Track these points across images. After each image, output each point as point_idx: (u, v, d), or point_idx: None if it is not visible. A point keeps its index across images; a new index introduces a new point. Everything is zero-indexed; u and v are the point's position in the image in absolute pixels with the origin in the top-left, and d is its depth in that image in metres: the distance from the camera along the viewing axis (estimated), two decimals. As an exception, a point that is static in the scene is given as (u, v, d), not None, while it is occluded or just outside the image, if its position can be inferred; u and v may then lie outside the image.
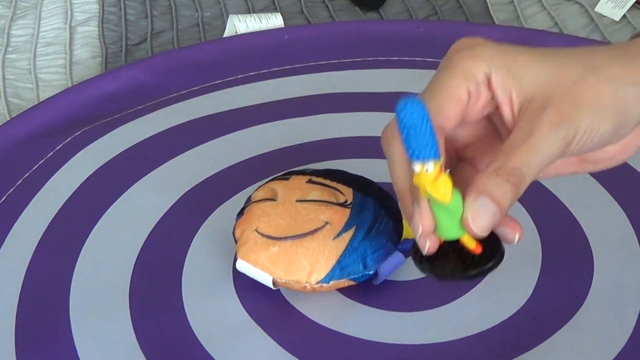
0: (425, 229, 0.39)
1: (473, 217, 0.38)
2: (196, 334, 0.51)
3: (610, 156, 0.42)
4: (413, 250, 0.41)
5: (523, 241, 0.55)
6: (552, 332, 0.49)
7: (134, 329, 0.52)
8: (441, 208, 0.38)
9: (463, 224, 0.38)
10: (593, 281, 0.52)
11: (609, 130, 0.38)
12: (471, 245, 0.40)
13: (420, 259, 0.41)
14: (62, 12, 0.95)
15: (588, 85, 0.37)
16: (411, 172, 0.38)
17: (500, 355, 0.48)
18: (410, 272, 0.54)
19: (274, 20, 0.84)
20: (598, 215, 0.57)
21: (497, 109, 0.40)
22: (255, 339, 0.50)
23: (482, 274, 0.40)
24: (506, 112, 0.39)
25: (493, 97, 0.39)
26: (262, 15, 0.85)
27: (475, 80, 0.39)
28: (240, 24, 0.84)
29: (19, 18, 0.94)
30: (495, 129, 0.42)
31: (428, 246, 0.40)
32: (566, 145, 0.37)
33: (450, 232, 0.39)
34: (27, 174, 0.66)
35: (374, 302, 0.52)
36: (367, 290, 0.53)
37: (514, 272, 0.53)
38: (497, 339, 0.49)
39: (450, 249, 0.40)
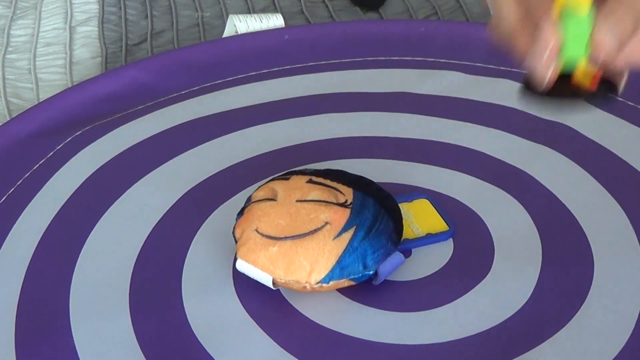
0: (554, 47, 0.40)
1: (603, 34, 0.39)
2: (196, 334, 0.51)
3: None
4: (525, 81, 0.42)
5: (523, 241, 0.56)
6: (553, 333, 0.49)
7: (134, 328, 0.52)
8: (570, 23, 0.39)
9: (591, 42, 0.39)
10: (593, 281, 0.52)
11: None
12: (586, 81, 0.41)
13: (532, 89, 0.42)
14: (62, 12, 0.95)
15: None
16: (521, 6, 0.40)
17: (500, 355, 0.48)
18: (411, 272, 0.54)
19: (275, 21, 0.84)
20: (598, 215, 0.57)
21: None
22: (255, 339, 0.50)
23: (597, 98, 0.42)
24: None
25: None
26: (263, 15, 0.85)
27: None
28: (241, 24, 0.84)
29: (19, 18, 0.94)
30: None
31: (550, 72, 0.40)
32: None
33: (575, 50, 0.40)
34: (27, 174, 0.66)
35: (373, 302, 0.52)
36: (367, 290, 0.53)
37: (513, 272, 0.53)
38: (496, 339, 0.49)
39: (564, 86, 0.41)
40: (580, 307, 0.51)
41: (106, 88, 0.76)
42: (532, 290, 0.52)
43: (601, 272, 0.53)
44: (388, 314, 0.52)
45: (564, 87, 0.41)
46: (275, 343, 0.50)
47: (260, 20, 0.84)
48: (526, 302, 0.51)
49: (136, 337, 0.51)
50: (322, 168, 0.56)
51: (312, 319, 0.52)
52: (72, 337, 0.52)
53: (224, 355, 0.50)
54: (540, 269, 0.53)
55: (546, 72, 0.40)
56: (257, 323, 0.51)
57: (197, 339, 0.51)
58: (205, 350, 0.50)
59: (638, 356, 0.48)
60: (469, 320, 0.51)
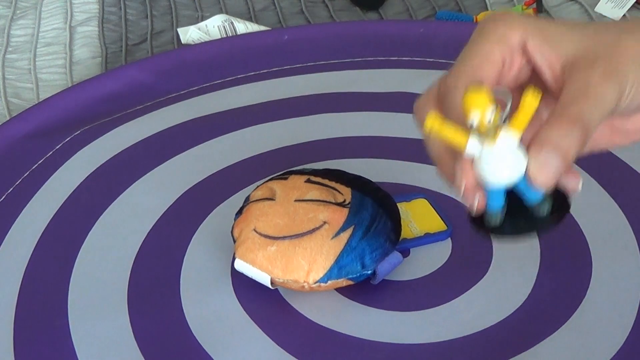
0: (468, 187, 0.38)
1: (537, 170, 0.36)
2: (194, 333, 0.51)
3: (638, 127, 0.42)
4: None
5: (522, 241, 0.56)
6: (551, 331, 0.49)
7: (132, 328, 0.52)
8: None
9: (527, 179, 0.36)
10: (591, 280, 0.52)
11: None
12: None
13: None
14: (62, 12, 0.95)
15: (627, 44, 0.38)
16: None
17: (499, 354, 0.48)
18: (409, 271, 0.54)
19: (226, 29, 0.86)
20: (597, 215, 0.57)
21: (531, 76, 0.40)
22: (253, 338, 0.50)
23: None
24: (547, 74, 0.39)
25: (529, 62, 0.39)
26: (208, 21, 0.87)
27: (509, 45, 0.39)
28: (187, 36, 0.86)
29: (19, 18, 0.95)
30: None
31: (478, 200, 0.38)
32: (618, 98, 0.37)
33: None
34: (27, 174, 0.66)
35: (372, 302, 0.52)
36: (365, 289, 0.53)
37: (512, 271, 0.53)
38: (495, 338, 0.49)
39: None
40: (578, 307, 0.51)
41: (106, 88, 0.76)
42: (530, 289, 0.52)
43: (599, 271, 0.53)
44: (386, 313, 0.52)
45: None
46: (273, 342, 0.50)
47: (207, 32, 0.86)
48: (524, 301, 0.51)
49: (134, 336, 0.51)
50: (321, 168, 0.56)
51: (310, 318, 0.52)
52: (70, 337, 0.52)
53: (223, 355, 0.50)
54: (539, 269, 0.53)
55: (473, 204, 0.38)
56: (255, 322, 0.51)
57: (196, 339, 0.51)
58: (204, 349, 0.50)
59: (636, 355, 0.48)
60: (467, 320, 0.51)
